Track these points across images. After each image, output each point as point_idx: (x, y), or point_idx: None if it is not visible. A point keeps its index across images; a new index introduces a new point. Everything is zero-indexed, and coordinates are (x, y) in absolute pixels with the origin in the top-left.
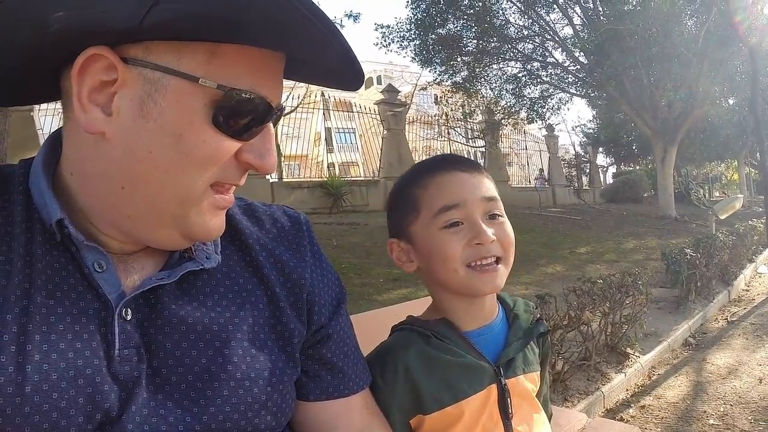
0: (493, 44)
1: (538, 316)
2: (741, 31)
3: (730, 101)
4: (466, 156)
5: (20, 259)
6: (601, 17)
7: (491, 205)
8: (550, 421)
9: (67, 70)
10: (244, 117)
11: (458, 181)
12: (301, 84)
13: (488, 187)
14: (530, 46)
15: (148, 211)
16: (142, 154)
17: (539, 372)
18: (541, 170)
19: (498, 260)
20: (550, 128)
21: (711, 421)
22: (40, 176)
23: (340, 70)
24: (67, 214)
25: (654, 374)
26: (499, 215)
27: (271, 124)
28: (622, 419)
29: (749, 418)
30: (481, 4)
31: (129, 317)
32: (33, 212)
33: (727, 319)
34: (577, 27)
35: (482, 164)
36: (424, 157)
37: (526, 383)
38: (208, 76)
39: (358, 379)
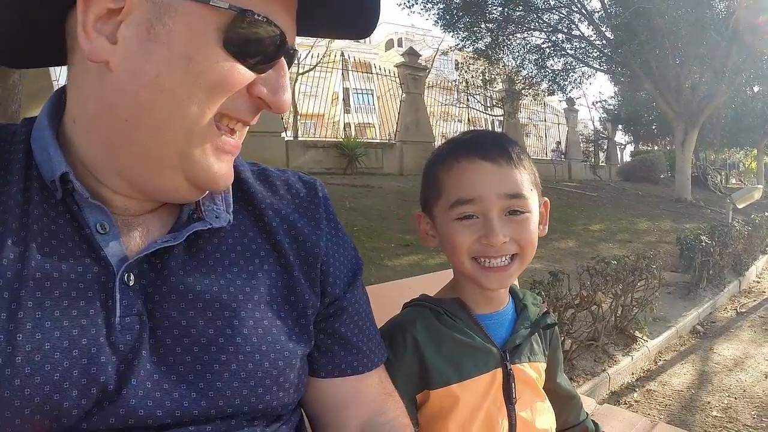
0: (518, 12)
1: (545, 309)
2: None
3: (755, 89)
4: (483, 125)
5: (15, 221)
6: None
7: (512, 203)
8: (575, 399)
9: (73, 10)
10: (257, 43)
11: (479, 174)
12: (321, 43)
13: (514, 182)
14: (556, 17)
15: (153, 146)
16: (148, 79)
17: (544, 364)
18: (558, 143)
19: (513, 257)
20: (570, 102)
21: (714, 413)
22: (44, 129)
23: (352, 10)
24: (72, 169)
25: (660, 360)
26: (521, 212)
27: (285, 62)
28: (626, 403)
29: (752, 413)
30: None
31: (131, 282)
32: (32, 170)
33: (736, 309)
34: (606, 2)
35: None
36: (441, 123)
37: (530, 371)
38: None
39: (373, 355)
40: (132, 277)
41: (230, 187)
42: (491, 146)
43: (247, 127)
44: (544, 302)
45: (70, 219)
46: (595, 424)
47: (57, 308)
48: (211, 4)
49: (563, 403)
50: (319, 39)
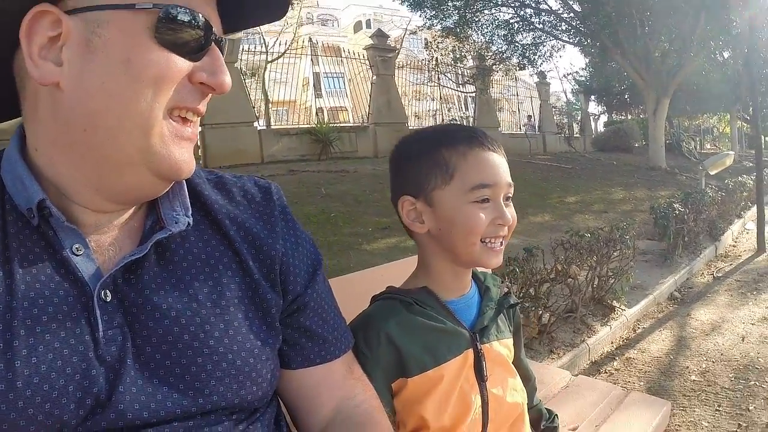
0: None
1: (506, 290)
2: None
3: (725, 54)
4: (456, 103)
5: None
6: None
7: (509, 190)
8: (531, 382)
9: (19, 51)
10: (186, 32)
11: (495, 162)
12: (288, 29)
13: (509, 172)
14: None
15: (112, 147)
16: (95, 88)
17: (512, 340)
18: (530, 117)
19: (503, 239)
20: (541, 75)
21: (693, 377)
22: (15, 162)
23: None
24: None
25: (639, 327)
26: (510, 198)
27: (217, 48)
28: (606, 372)
29: (730, 375)
30: None
31: (109, 298)
32: (5, 202)
33: (713, 274)
34: None
35: (473, 109)
36: (414, 103)
37: (501, 348)
38: (144, 1)
39: (339, 343)
40: (108, 293)
41: (186, 190)
42: (490, 139)
43: (199, 118)
44: (510, 282)
45: (46, 245)
46: (549, 411)
47: (47, 332)
48: (137, 7)
49: None
50: (286, 25)
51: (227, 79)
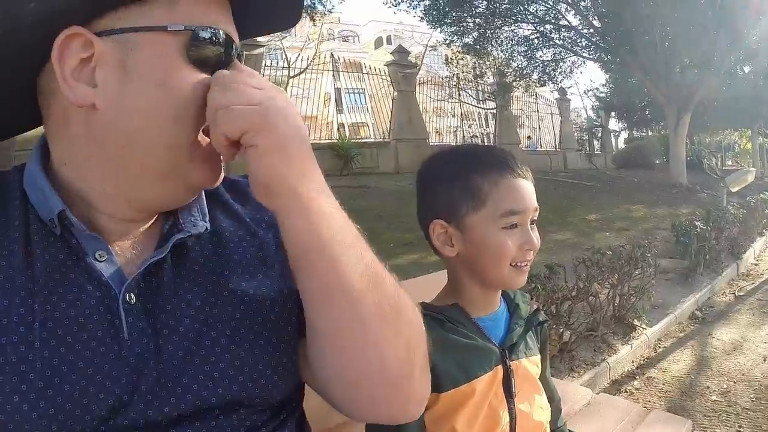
0: (504, 5)
1: (536, 306)
2: (755, 8)
3: (746, 69)
4: (477, 119)
5: (22, 262)
6: None
7: (535, 215)
8: (555, 402)
9: (43, 69)
10: (214, 50)
11: (524, 189)
12: (310, 45)
13: (535, 196)
14: (542, 7)
15: (150, 164)
16: (134, 110)
17: (539, 356)
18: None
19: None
20: (562, 91)
21: (713, 398)
22: (37, 175)
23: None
24: (68, 206)
25: (660, 347)
26: (534, 221)
27: (238, 61)
28: (626, 391)
29: (751, 396)
30: None
31: (133, 301)
32: (29, 213)
33: (734, 293)
34: None
35: (494, 126)
36: (435, 119)
37: (529, 365)
38: (175, 22)
39: None
40: (133, 296)
41: (203, 196)
42: (520, 164)
43: None
44: (533, 299)
45: (70, 252)
46: None
47: (68, 335)
48: (169, 29)
49: None
50: (308, 41)
51: None
